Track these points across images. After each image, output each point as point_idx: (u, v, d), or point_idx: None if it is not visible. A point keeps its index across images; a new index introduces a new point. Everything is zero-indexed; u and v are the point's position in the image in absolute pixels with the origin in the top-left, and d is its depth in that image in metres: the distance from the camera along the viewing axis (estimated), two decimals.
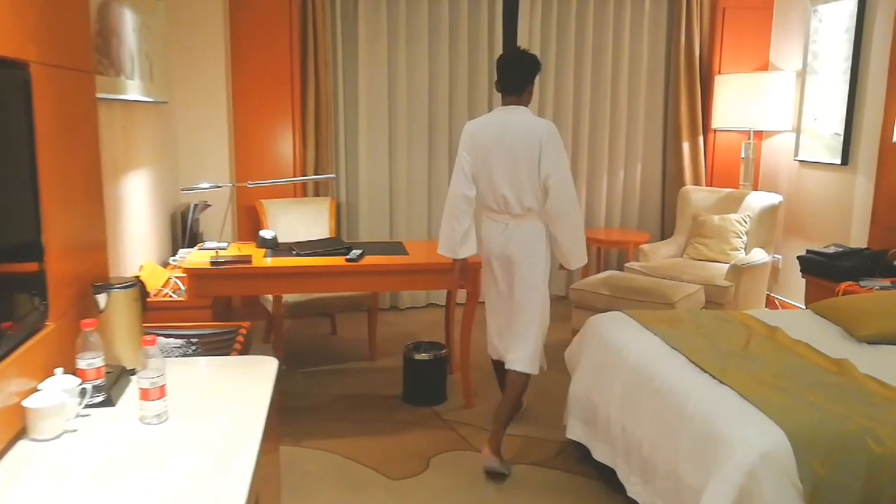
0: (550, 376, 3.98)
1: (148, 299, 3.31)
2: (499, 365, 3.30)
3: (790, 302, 5.12)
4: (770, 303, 5.15)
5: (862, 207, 4.51)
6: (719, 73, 5.35)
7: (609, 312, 3.19)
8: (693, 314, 3.13)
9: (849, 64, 4.56)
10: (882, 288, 3.73)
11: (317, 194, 5.02)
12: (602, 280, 4.40)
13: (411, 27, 5.10)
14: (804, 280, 4.60)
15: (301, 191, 4.98)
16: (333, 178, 4.48)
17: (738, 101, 5.11)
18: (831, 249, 4.03)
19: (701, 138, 5.45)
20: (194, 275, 3.27)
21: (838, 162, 4.67)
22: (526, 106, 3.04)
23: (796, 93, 5.04)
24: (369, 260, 3.48)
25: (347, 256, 3.46)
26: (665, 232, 5.71)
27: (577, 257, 3.03)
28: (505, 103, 3.06)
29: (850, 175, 4.62)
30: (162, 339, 2.89)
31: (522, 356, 3.05)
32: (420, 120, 5.21)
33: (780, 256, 5.20)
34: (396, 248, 3.78)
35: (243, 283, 3.37)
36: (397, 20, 5.05)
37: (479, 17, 5.18)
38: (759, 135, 5.40)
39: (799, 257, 4.16)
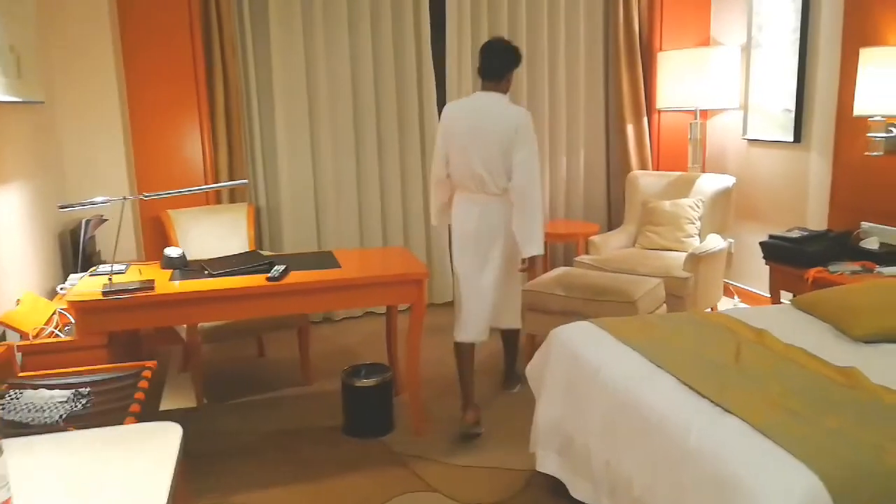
0: (512, 399, 3.59)
1: (26, 343, 2.77)
2: (465, 349, 3.42)
3: (749, 289, 4.89)
4: (727, 291, 4.90)
5: (818, 187, 4.29)
6: (661, 49, 5.06)
7: (574, 323, 2.80)
8: (667, 319, 2.78)
9: (797, 35, 4.32)
10: (853, 273, 3.49)
11: (232, 200, 4.47)
12: (555, 279, 4.03)
13: (328, 7, 4.59)
14: (765, 266, 4.35)
15: (214, 197, 4.42)
16: (246, 184, 3.96)
17: (682, 79, 4.82)
18: (795, 233, 3.78)
19: (645, 120, 5.15)
20: (82, 308, 2.71)
21: (790, 139, 4.43)
22: (504, 93, 3.22)
23: (742, 68, 4.79)
24: (295, 277, 2.99)
25: (269, 274, 2.97)
26: (613, 221, 5.40)
27: (533, 243, 3.17)
28: (484, 88, 3.24)
29: (803, 153, 4.39)
30: (43, 393, 2.36)
31: (515, 316, 3.55)
32: (344, 113, 4.72)
33: (732, 241, 4.95)
34: (326, 259, 3.30)
35: (145, 314, 2.82)
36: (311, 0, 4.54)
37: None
38: (705, 114, 5.14)
39: (761, 243, 3.90)
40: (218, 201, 4.42)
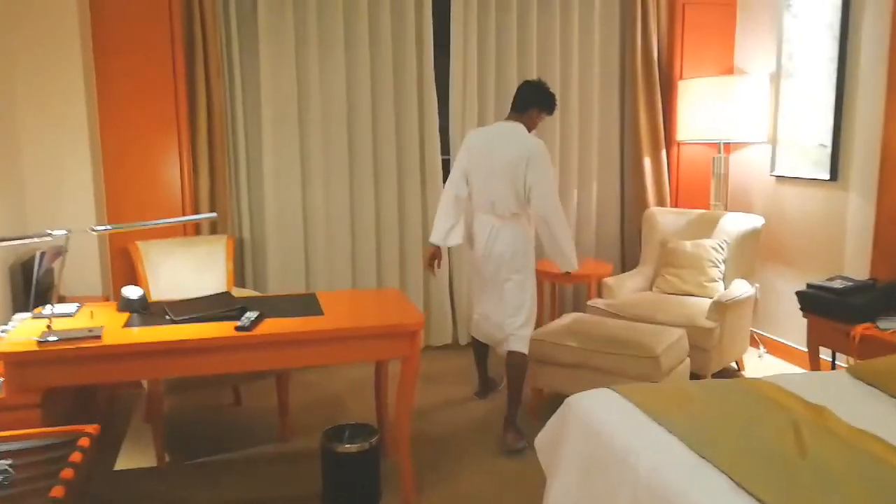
0: (515, 465, 3.16)
1: None
2: (479, 346, 3.84)
3: (777, 339, 4.46)
4: (752, 340, 4.48)
5: (858, 230, 3.88)
6: (682, 78, 4.69)
7: (595, 392, 2.38)
8: (705, 389, 2.35)
9: (834, 64, 3.95)
10: None
11: (213, 231, 4.07)
12: (566, 327, 3.62)
13: (324, 27, 4.23)
14: (796, 315, 3.94)
15: (192, 228, 4.02)
16: (215, 217, 3.56)
17: (705, 109, 4.45)
18: (837, 283, 3.37)
19: (664, 153, 4.77)
20: (12, 361, 2.30)
21: (826, 177, 4.04)
22: (525, 125, 3.40)
23: (770, 99, 4.42)
24: (269, 326, 2.57)
25: (238, 323, 2.55)
26: (627, 261, 4.99)
27: (566, 260, 3.43)
28: (508, 118, 3.48)
29: (840, 192, 4.00)
30: None
31: (516, 337, 3.40)
32: (338, 139, 4.33)
33: (757, 285, 4.54)
34: (308, 305, 2.88)
35: (89, 369, 2.40)
36: (306, 18, 4.18)
37: (405, 19, 4.35)
38: (728, 148, 4.76)
39: (799, 293, 3.48)
40: (196, 232, 4.02)
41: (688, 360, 3.60)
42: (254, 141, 4.22)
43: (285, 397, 3.38)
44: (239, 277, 4.21)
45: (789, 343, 4.37)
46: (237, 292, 3.58)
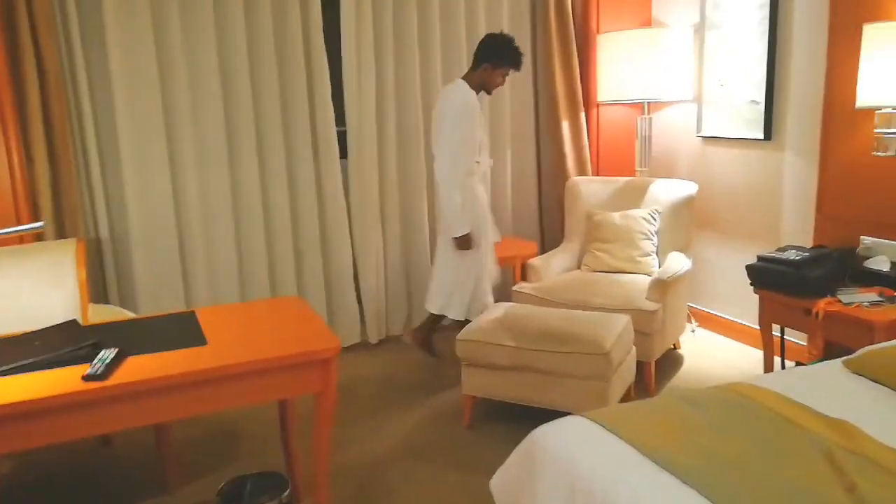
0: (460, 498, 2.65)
1: None
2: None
3: (711, 312, 4.18)
4: (695, 316, 4.18)
5: (797, 193, 3.61)
6: (599, 32, 4.26)
7: (564, 422, 1.90)
8: (692, 406, 1.91)
9: (765, 12, 3.62)
10: (873, 304, 2.80)
11: (61, 234, 3.28)
12: (498, 321, 3.13)
13: None
14: (734, 287, 3.66)
15: (31, 233, 3.21)
16: (41, 228, 2.80)
17: (627, 65, 4.04)
18: (792, 254, 3.05)
19: (582, 115, 4.35)
20: None
21: (759, 136, 3.74)
22: (479, 83, 3.35)
23: (694, 53, 4.07)
24: (131, 368, 1.92)
25: (89, 370, 1.88)
26: (547, 237, 4.58)
27: (447, 227, 3.44)
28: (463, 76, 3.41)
29: (775, 152, 3.71)
30: None
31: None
32: (212, 110, 3.61)
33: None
34: (186, 330, 2.23)
35: None
36: None
37: None
38: (650, 108, 4.39)
39: (749, 267, 3.16)
40: (36, 238, 3.21)
41: (634, 349, 3.22)
42: (105, 117, 3.43)
43: (167, 437, 2.71)
44: (99, 290, 3.45)
45: (724, 315, 4.11)
46: (95, 312, 2.85)
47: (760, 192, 3.81)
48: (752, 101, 3.76)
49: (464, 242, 3.41)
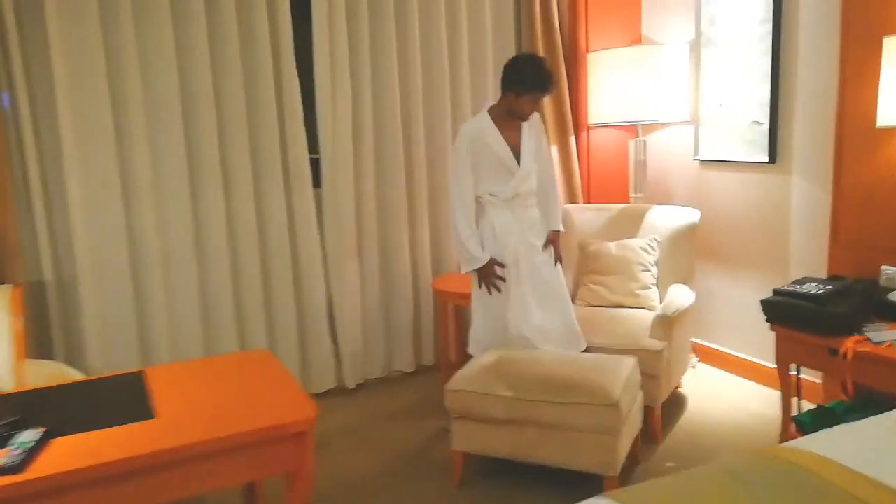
0: None
1: None
2: None
3: (716, 347, 3.90)
4: (695, 351, 3.90)
5: (807, 219, 3.37)
6: (588, 50, 4.01)
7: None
8: (741, 481, 1.60)
9: (767, 26, 3.40)
10: None
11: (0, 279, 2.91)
12: (490, 368, 2.81)
13: None
14: (739, 321, 3.41)
15: None
16: None
17: (619, 85, 3.79)
18: (812, 287, 2.79)
19: (572, 139, 4.08)
20: None
21: (764, 159, 3.50)
22: (506, 110, 3.01)
23: (691, 71, 3.83)
24: (57, 455, 1.56)
25: (4, 459, 1.52)
26: None
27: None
28: None
29: (781, 176, 3.47)
30: None
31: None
32: (170, 136, 3.28)
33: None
34: (131, 397, 1.88)
35: None
36: None
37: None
38: (644, 130, 4.15)
39: (764, 301, 2.88)
40: None
41: (641, 394, 2.92)
42: (49, 140, 3.07)
43: None
44: (42, 343, 3.06)
45: (727, 351, 3.83)
46: (34, 371, 2.49)
47: (766, 219, 3.56)
48: (755, 122, 3.52)
49: (476, 275, 3.10)
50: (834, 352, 2.62)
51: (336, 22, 3.52)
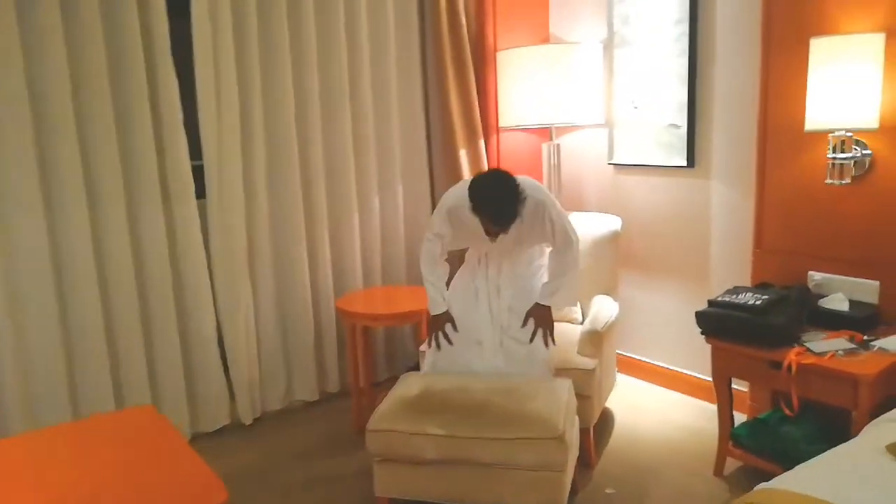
0: None
1: None
2: None
3: (637, 358, 3.77)
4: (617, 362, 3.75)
5: (728, 224, 3.29)
6: (497, 49, 3.78)
7: None
8: None
9: (684, 27, 3.29)
10: (847, 352, 2.44)
11: None
12: (413, 403, 2.49)
13: None
14: (658, 330, 3.29)
15: None
16: None
17: (531, 86, 3.58)
18: (748, 298, 2.66)
19: (482, 143, 3.83)
20: None
21: (682, 163, 3.39)
22: None
23: (604, 72, 3.68)
24: None
25: None
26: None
27: None
28: None
29: (700, 181, 3.37)
30: None
31: None
32: (18, 141, 2.72)
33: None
34: None
35: None
36: None
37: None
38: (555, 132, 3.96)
39: (699, 313, 2.74)
40: None
41: (577, 419, 2.69)
42: None
43: None
44: None
45: (649, 360, 3.72)
46: None
47: (685, 225, 3.46)
48: (672, 125, 3.41)
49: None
50: (776, 364, 2.50)
51: (220, 14, 3.08)
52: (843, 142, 2.59)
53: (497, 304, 2.78)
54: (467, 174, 3.80)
